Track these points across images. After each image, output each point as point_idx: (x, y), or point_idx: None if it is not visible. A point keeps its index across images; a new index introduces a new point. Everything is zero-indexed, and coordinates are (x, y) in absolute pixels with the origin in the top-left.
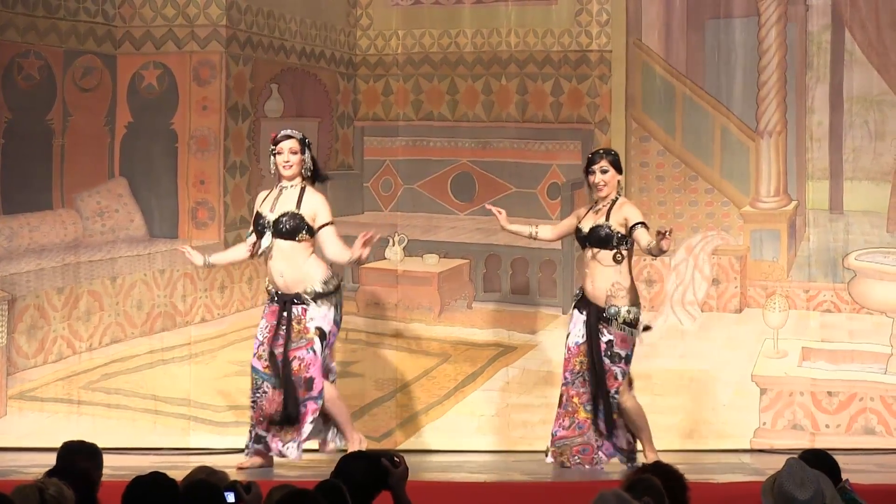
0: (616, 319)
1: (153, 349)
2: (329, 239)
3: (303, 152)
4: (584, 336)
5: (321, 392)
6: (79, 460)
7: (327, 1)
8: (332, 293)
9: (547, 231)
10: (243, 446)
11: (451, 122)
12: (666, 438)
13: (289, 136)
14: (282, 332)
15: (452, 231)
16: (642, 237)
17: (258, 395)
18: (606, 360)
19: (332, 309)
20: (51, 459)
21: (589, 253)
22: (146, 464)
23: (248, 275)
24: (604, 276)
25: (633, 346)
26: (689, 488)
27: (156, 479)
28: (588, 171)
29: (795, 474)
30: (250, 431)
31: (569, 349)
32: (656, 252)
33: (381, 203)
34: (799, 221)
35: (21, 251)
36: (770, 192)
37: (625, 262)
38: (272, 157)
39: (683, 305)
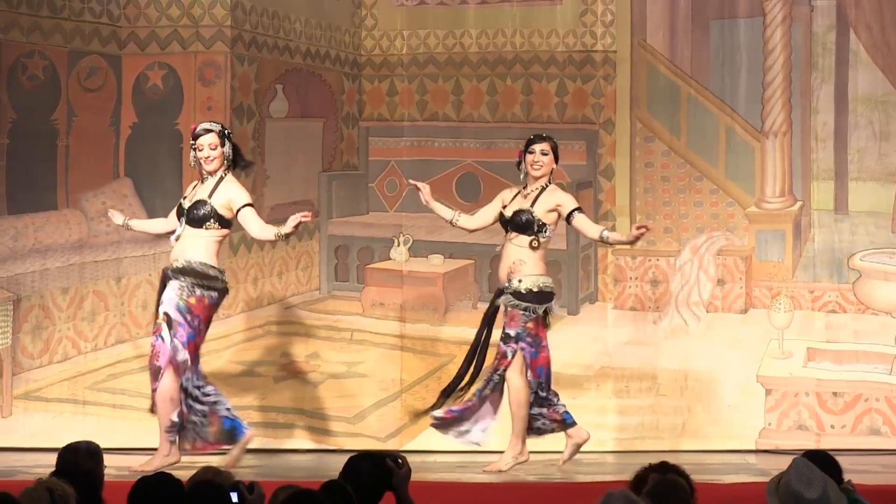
0: (507, 292)
1: None
2: (249, 219)
3: (223, 144)
4: None
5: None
6: (82, 460)
7: (332, 1)
8: (192, 276)
9: (468, 220)
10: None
11: (455, 122)
12: (671, 439)
13: (208, 130)
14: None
15: (457, 232)
16: (586, 224)
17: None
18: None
19: (182, 292)
20: (56, 460)
21: (506, 237)
22: (153, 465)
23: (252, 275)
24: (511, 257)
25: (531, 325)
26: (696, 489)
27: (161, 480)
28: (527, 150)
29: (803, 473)
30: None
31: None
32: (624, 242)
33: (386, 203)
34: (804, 222)
35: (26, 251)
36: (775, 193)
37: (539, 250)
38: (192, 152)
39: (688, 306)
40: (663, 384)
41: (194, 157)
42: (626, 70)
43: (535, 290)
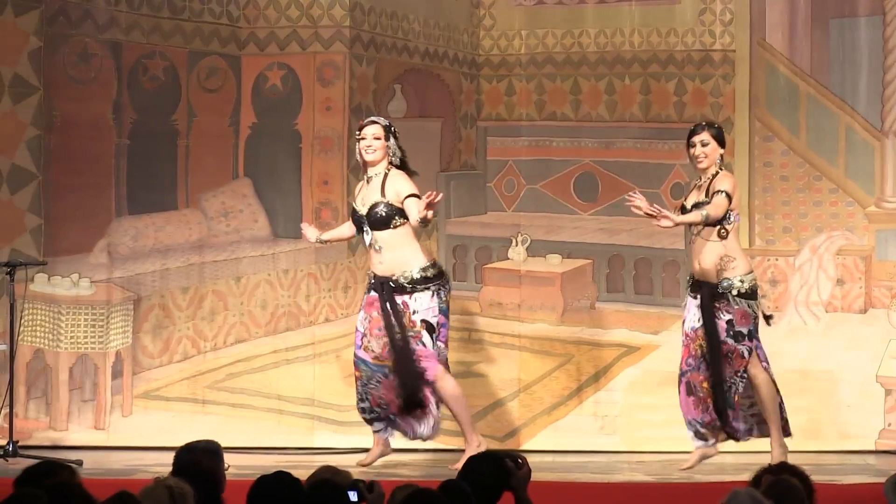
0: (727, 290)
1: (277, 349)
2: (410, 207)
3: (387, 139)
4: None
5: (433, 379)
6: (201, 459)
7: (450, 1)
8: (430, 280)
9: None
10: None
11: (574, 121)
12: (790, 439)
13: (373, 122)
14: (392, 321)
15: (575, 231)
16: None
17: (371, 385)
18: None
19: (435, 297)
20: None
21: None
22: (270, 463)
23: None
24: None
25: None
26: (815, 489)
27: (280, 479)
28: (689, 144)
29: None
30: (371, 421)
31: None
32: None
33: (503, 203)
34: None
35: (146, 251)
36: (895, 192)
37: (731, 240)
38: (357, 144)
39: (808, 306)
40: (782, 384)
41: (358, 150)
42: (745, 69)
43: (750, 285)
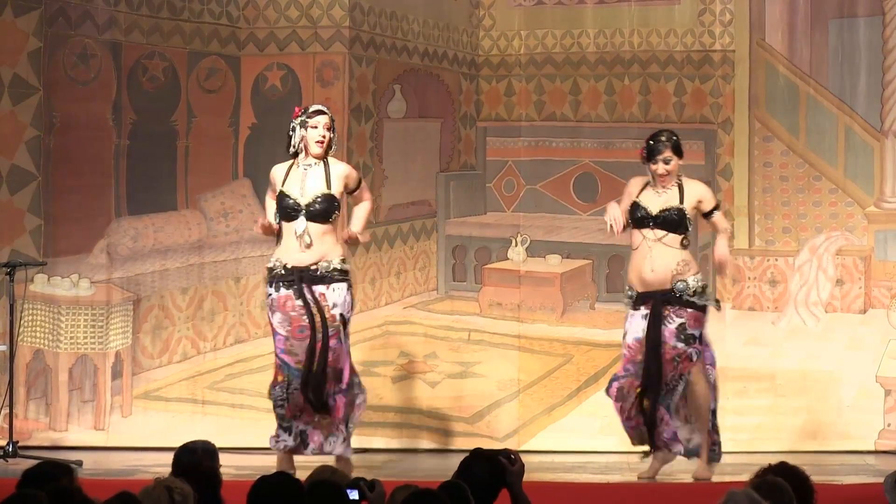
0: (683, 293)
1: None
2: (359, 215)
3: (332, 131)
4: None
5: (349, 385)
6: (200, 460)
7: (450, 2)
8: (346, 273)
9: None
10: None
11: (573, 122)
12: (789, 439)
13: (323, 112)
14: (313, 311)
15: (575, 231)
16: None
17: (290, 391)
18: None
19: (349, 292)
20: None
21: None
22: (270, 463)
23: (370, 275)
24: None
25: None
26: (815, 490)
27: (281, 479)
28: (651, 160)
29: None
30: (285, 428)
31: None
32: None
33: (503, 203)
34: None
35: (146, 252)
36: (895, 192)
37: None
38: (301, 130)
39: (807, 306)
40: (782, 385)
41: (301, 137)
42: (745, 69)
43: (702, 283)
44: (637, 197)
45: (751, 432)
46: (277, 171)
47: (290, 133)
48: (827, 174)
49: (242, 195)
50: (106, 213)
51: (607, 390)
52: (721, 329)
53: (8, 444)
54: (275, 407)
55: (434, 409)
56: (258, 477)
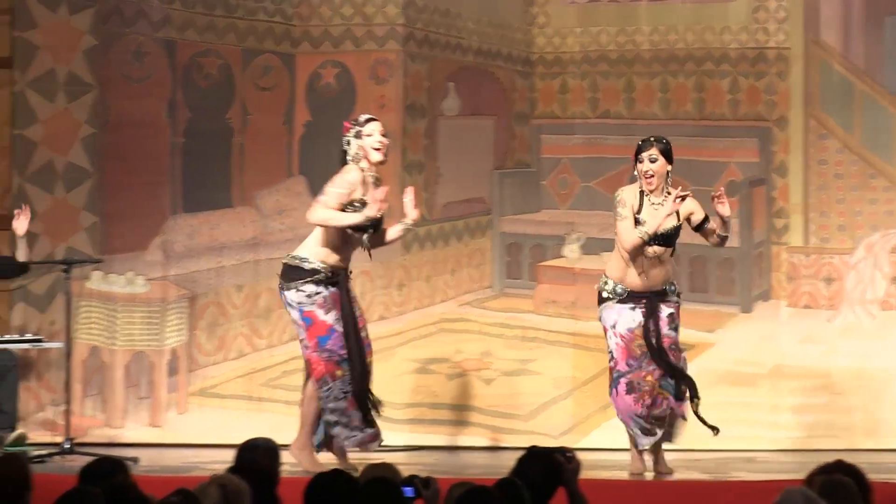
0: (672, 296)
1: None
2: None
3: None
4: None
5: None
6: (258, 457)
7: (504, 0)
8: None
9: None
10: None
11: (627, 119)
12: (846, 437)
13: (375, 119)
14: (355, 312)
15: None
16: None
17: (346, 387)
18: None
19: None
20: (231, 456)
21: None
22: (326, 460)
23: (425, 273)
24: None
25: None
26: (872, 488)
27: (337, 476)
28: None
29: None
30: (345, 424)
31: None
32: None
33: (557, 201)
34: None
35: (201, 249)
36: None
37: None
38: (356, 141)
39: (863, 304)
40: (837, 382)
41: (360, 146)
42: (800, 67)
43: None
44: (638, 213)
45: (806, 430)
46: (358, 177)
47: (345, 147)
48: (883, 171)
49: (297, 192)
50: (161, 210)
51: (615, 388)
52: (776, 327)
53: (65, 441)
54: (336, 400)
55: (489, 407)
56: (315, 474)
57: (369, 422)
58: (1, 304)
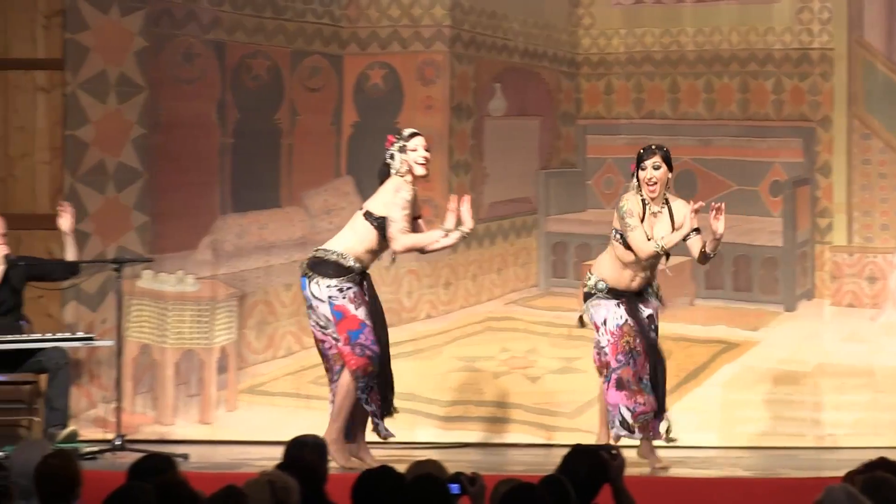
0: (656, 297)
1: None
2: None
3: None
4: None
5: None
6: (307, 454)
7: (549, 1)
8: None
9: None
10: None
11: (672, 119)
12: (888, 435)
13: (419, 133)
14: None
15: None
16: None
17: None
18: None
19: None
20: (280, 452)
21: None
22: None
23: (471, 272)
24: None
25: None
26: None
27: (384, 473)
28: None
29: None
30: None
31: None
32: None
33: (602, 200)
34: None
35: (250, 248)
36: None
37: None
38: (400, 155)
39: None
40: (881, 380)
41: (402, 162)
42: (843, 67)
43: None
44: (641, 221)
45: (849, 428)
46: (411, 193)
47: (388, 160)
48: None
49: (345, 192)
50: (211, 210)
51: (607, 381)
52: (820, 326)
53: (116, 437)
54: (361, 393)
55: (534, 404)
56: (362, 471)
57: (382, 416)
58: (53, 302)
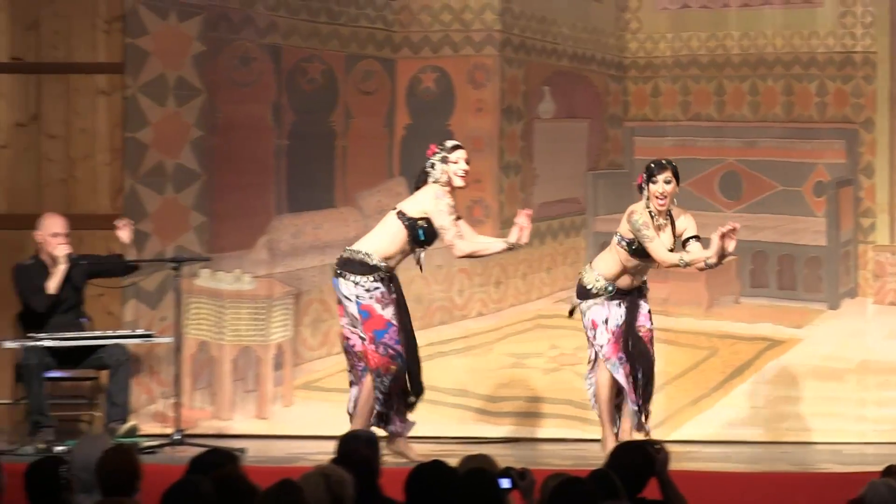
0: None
1: (431, 342)
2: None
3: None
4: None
5: None
6: (360, 448)
7: (597, 6)
8: None
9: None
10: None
11: (718, 122)
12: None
13: (461, 146)
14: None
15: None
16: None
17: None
18: None
19: None
20: (334, 447)
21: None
22: (424, 452)
23: (521, 270)
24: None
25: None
26: None
27: (437, 467)
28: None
29: None
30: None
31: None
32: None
33: None
34: None
35: (306, 248)
36: None
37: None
38: (441, 165)
39: None
40: None
41: (446, 171)
42: (886, 70)
43: None
44: None
45: (891, 424)
46: (451, 201)
47: (429, 169)
48: None
49: (398, 193)
50: (267, 210)
51: (613, 376)
52: (863, 324)
53: (175, 432)
54: (381, 393)
55: (584, 400)
56: (415, 464)
57: (404, 413)
58: (113, 300)
